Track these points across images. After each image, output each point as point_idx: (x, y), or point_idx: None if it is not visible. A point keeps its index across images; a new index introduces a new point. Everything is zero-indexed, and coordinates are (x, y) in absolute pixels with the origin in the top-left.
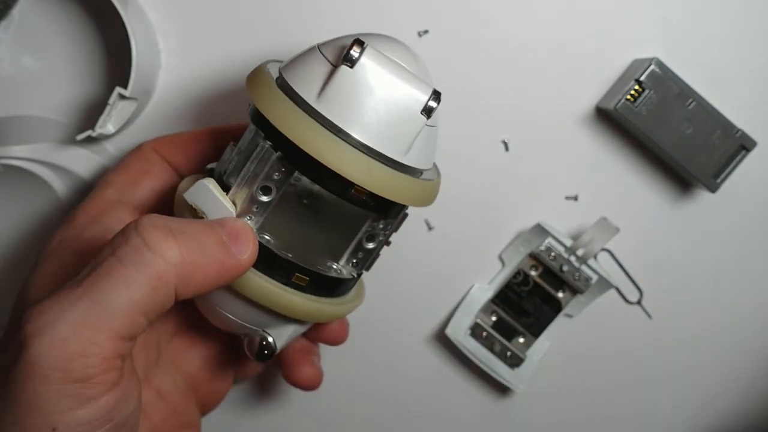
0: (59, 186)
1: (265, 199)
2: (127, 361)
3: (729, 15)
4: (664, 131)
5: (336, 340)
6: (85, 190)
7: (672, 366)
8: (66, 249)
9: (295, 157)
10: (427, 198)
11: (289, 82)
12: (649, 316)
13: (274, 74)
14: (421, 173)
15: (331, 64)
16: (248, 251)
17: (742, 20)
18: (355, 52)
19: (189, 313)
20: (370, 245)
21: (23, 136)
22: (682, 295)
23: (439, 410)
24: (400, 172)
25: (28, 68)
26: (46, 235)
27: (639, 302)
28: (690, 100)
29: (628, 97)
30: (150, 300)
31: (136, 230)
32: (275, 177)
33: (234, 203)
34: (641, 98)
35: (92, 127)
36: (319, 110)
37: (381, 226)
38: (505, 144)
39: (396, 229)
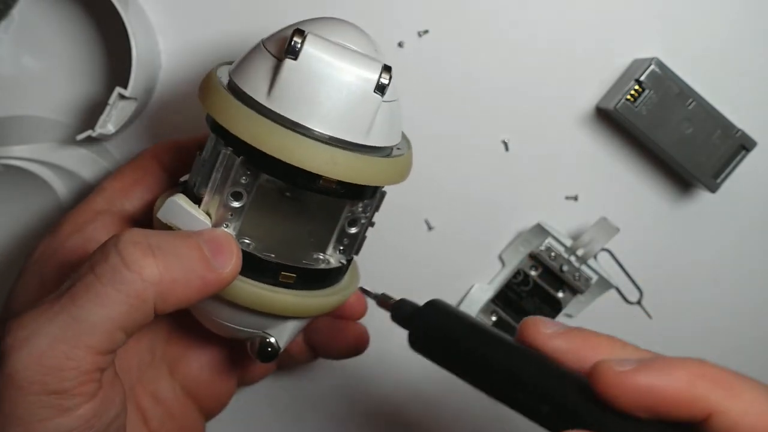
0: (59, 186)
1: (237, 204)
2: (108, 372)
3: (729, 15)
4: (664, 131)
5: (355, 315)
6: (86, 190)
7: None
8: (49, 259)
9: (257, 159)
10: (399, 174)
11: (238, 84)
12: (649, 316)
13: (225, 77)
14: (391, 150)
15: (275, 58)
16: (231, 264)
17: (742, 20)
18: (296, 42)
19: (183, 318)
20: (353, 230)
21: (23, 136)
22: (682, 295)
23: (440, 411)
24: (366, 155)
25: (28, 68)
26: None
27: (639, 302)
28: (690, 100)
29: (628, 97)
30: (128, 317)
31: (116, 247)
32: (243, 181)
33: (208, 214)
34: (641, 98)
35: (92, 127)
36: (271, 108)
37: (360, 209)
38: (505, 144)
39: (377, 209)
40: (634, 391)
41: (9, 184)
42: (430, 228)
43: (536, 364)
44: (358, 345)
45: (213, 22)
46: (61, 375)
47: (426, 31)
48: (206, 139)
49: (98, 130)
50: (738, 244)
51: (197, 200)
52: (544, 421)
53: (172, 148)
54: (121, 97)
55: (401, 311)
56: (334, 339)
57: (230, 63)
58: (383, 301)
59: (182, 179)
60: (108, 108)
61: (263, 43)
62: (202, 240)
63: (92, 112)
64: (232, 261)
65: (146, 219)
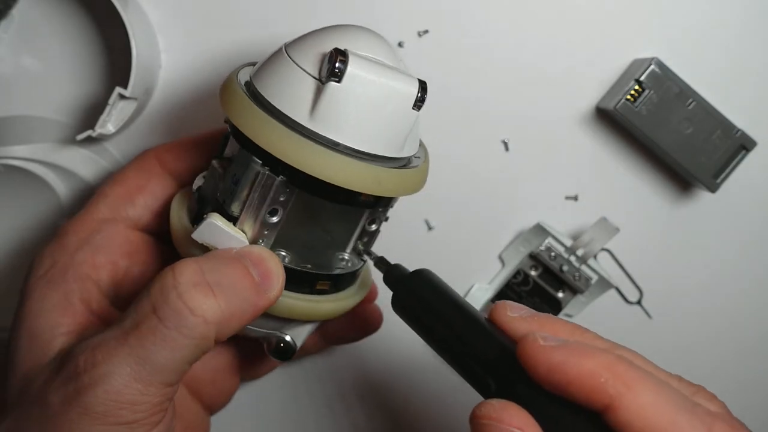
0: (59, 186)
1: (274, 220)
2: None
3: (729, 15)
4: (664, 131)
5: (372, 299)
6: (86, 190)
7: (671, 366)
8: (64, 274)
9: (299, 179)
10: (424, 182)
11: (271, 102)
12: (649, 316)
13: (244, 82)
14: (411, 158)
15: (313, 78)
16: (278, 285)
17: (742, 20)
18: (340, 64)
19: None
20: (373, 227)
21: (23, 136)
22: (682, 295)
23: (441, 411)
24: (402, 168)
25: (28, 68)
26: (46, 237)
27: (639, 302)
28: (690, 100)
29: (628, 97)
30: (194, 354)
31: (176, 290)
32: (281, 199)
33: (243, 231)
34: (641, 98)
35: (92, 127)
36: (314, 129)
37: (380, 209)
38: (505, 144)
39: (392, 206)
40: (548, 365)
41: (9, 184)
42: (430, 228)
43: (489, 339)
44: (374, 326)
45: (213, 22)
46: (134, 408)
47: (426, 31)
48: (207, 138)
49: (98, 130)
50: (738, 244)
51: (229, 217)
52: (488, 394)
53: (174, 149)
54: (121, 97)
55: (392, 274)
56: (352, 325)
57: (249, 65)
58: (378, 263)
59: (195, 186)
60: (108, 108)
61: (288, 53)
62: (250, 264)
63: (92, 112)
64: (279, 282)
65: (152, 225)
